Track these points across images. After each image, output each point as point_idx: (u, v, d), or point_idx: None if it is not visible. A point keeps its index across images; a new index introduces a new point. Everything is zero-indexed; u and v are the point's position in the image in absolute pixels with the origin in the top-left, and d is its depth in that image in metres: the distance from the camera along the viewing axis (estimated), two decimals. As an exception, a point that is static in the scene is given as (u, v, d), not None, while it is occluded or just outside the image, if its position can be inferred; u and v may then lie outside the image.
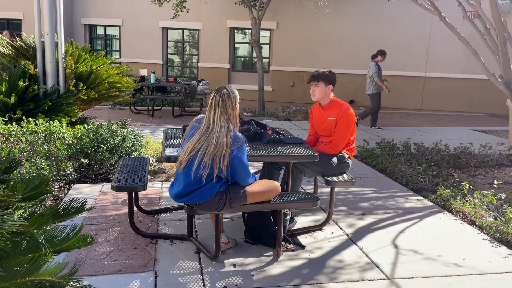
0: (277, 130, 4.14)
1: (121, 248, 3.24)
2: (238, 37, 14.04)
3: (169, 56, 15.15)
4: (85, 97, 6.07)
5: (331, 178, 3.59)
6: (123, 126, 6.12)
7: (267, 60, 13.84)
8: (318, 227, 3.72)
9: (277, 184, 3.01)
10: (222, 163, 2.66)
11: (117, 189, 3.16)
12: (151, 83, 10.02)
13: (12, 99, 5.59)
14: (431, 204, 4.49)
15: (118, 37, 15.21)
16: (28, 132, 5.02)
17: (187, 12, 11.71)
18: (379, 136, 8.33)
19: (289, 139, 3.70)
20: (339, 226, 3.81)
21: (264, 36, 13.81)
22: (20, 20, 14.28)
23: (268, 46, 13.78)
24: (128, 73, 13.37)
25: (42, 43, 6.12)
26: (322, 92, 3.73)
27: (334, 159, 3.68)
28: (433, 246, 3.49)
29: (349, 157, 3.80)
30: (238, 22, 13.36)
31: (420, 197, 4.70)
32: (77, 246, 1.81)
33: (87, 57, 6.24)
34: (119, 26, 15.05)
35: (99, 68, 6.26)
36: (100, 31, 15.54)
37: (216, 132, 2.70)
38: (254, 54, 12.02)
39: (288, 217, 3.32)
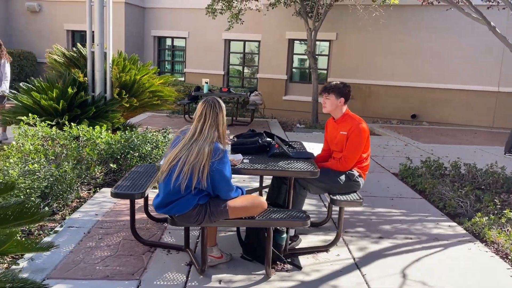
0: (291, 143, 4.01)
1: (118, 254, 3.30)
2: (299, 48, 13.93)
3: (230, 67, 15.47)
4: (127, 105, 6.34)
5: (337, 197, 3.37)
6: (164, 134, 6.32)
7: (325, 71, 13.60)
8: (324, 248, 3.51)
9: (262, 200, 2.89)
10: (202, 173, 2.60)
11: (115, 195, 3.23)
12: (204, 92, 10.26)
13: (61, 105, 5.99)
14: (464, 232, 4.06)
15: (184, 48, 15.84)
16: (69, 137, 5.34)
17: (242, 24, 11.88)
18: (433, 154, 7.77)
19: (297, 153, 3.55)
20: (348, 249, 3.57)
21: (325, 46, 13.61)
22: (93, 32, 15.38)
23: (327, 57, 13.55)
24: (187, 83, 13.82)
25: (92, 53, 6.52)
26: (332, 105, 3.55)
27: (342, 177, 3.46)
28: (447, 279, 3.13)
29: (360, 175, 3.55)
30: (298, 34, 13.26)
31: (454, 224, 4.27)
32: (12, 251, 1.85)
33: (132, 67, 6.53)
34: (185, 38, 15.69)
35: (142, 78, 6.52)
36: (168, 42, 16.30)
37: (200, 141, 2.66)
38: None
39: (284, 235, 3.17)
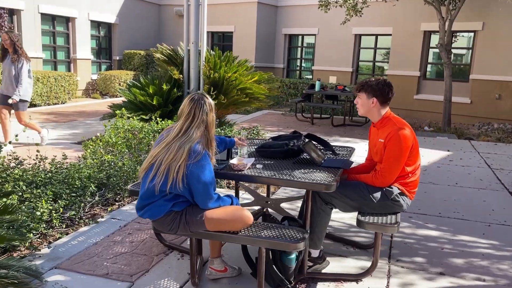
0: (336, 149, 3.46)
1: (133, 252, 3.25)
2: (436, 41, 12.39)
3: (360, 63, 14.61)
4: (215, 102, 6.38)
5: (364, 218, 2.74)
6: (255, 131, 6.25)
7: (468, 67, 11.82)
8: (355, 277, 2.91)
9: (244, 213, 2.47)
10: (176, 174, 2.34)
11: (130, 192, 3.17)
12: (316, 90, 9.84)
13: (155, 101, 6.34)
14: None
15: (313, 45, 15.54)
16: (150, 131, 5.59)
17: (360, 16, 11.00)
18: None
19: (329, 161, 3.01)
20: (387, 282, 2.90)
21: (470, 38, 11.83)
22: (232, 32, 16.14)
23: (469, 51, 11.74)
24: (314, 81, 13.46)
25: (188, 51, 6.73)
26: (363, 106, 2.91)
27: (377, 194, 2.80)
28: None
29: (402, 193, 2.83)
30: (436, 25, 11.79)
31: (562, 269, 3.15)
32: None
33: (222, 65, 6.55)
34: (314, 35, 15.38)
35: (230, 75, 6.49)
36: (298, 40, 16.21)
37: (182, 140, 2.40)
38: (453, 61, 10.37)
39: (292, 256, 2.69)
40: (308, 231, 2.57)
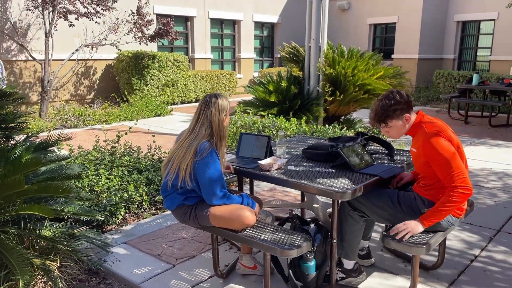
0: (395, 153, 3.10)
1: (192, 238, 3.53)
2: None
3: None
4: (330, 99, 6.24)
5: (388, 233, 2.40)
6: (373, 131, 5.98)
7: None
8: (389, 298, 2.59)
9: (243, 213, 2.41)
10: (185, 172, 2.49)
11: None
12: (473, 85, 8.59)
13: (272, 98, 6.56)
14: None
15: (492, 32, 13.53)
16: (263, 126, 5.84)
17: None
18: None
19: (373, 168, 2.72)
20: (427, 312, 2.49)
21: None
22: (395, 23, 15.22)
23: None
24: (491, 73, 11.76)
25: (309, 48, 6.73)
26: (399, 130, 2.50)
27: (406, 205, 2.40)
28: None
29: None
30: None
31: None
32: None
33: (340, 60, 6.34)
34: (493, 20, 13.37)
35: (348, 71, 6.24)
36: (473, 27, 14.30)
37: (191, 138, 2.55)
38: None
39: (309, 264, 2.54)
40: (337, 239, 2.41)
